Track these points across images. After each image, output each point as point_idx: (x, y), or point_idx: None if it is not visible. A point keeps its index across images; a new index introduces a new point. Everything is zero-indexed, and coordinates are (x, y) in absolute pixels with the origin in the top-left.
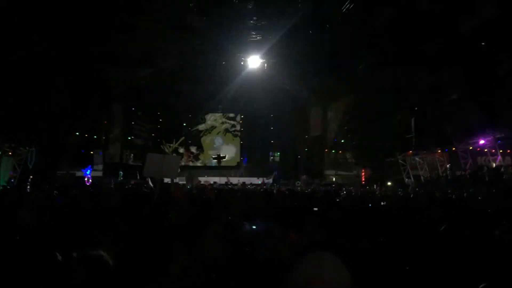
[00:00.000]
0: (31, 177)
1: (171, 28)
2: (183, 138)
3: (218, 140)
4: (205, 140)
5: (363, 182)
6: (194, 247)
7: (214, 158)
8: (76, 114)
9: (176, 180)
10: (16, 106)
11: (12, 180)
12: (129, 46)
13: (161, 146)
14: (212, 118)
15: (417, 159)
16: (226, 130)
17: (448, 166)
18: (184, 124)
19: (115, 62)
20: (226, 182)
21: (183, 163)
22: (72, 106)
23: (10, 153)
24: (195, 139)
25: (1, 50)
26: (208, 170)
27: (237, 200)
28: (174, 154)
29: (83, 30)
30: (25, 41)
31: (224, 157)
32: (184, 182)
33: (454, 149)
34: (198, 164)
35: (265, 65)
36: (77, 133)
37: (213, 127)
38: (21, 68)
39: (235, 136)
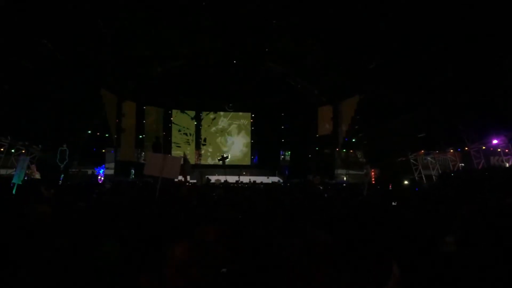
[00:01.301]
0: (63, 175)
1: (183, 27)
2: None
3: (230, 140)
4: (219, 140)
5: (373, 182)
6: (193, 247)
7: (219, 160)
8: (88, 112)
9: (188, 178)
10: (28, 105)
11: (26, 178)
12: (140, 44)
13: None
14: (224, 121)
15: (429, 158)
16: (237, 128)
17: (460, 165)
18: (195, 123)
19: (127, 61)
20: (236, 181)
21: (193, 163)
22: (83, 104)
23: (23, 151)
24: (207, 139)
25: (10, 49)
26: (219, 169)
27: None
28: (185, 154)
29: (93, 28)
30: (34, 40)
31: (227, 157)
32: (195, 181)
33: (466, 148)
34: (210, 163)
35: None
36: (89, 132)
37: (223, 129)
38: (32, 67)
39: (245, 134)
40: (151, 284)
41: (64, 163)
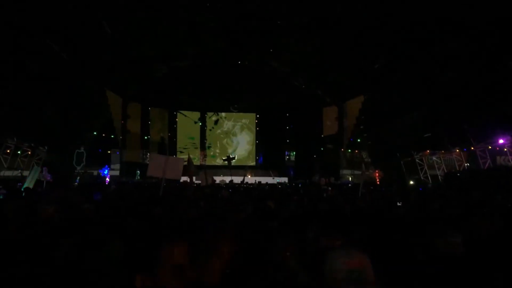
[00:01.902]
0: (78, 177)
1: (187, 28)
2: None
3: (235, 140)
4: (225, 141)
5: (378, 183)
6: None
7: (224, 160)
8: (92, 113)
9: (193, 179)
10: (34, 106)
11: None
12: (146, 46)
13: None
14: (229, 122)
15: (434, 158)
16: (242, 129)
17: (466, 165)
18: (200, 124)
19: (131, 62)
20: (241, 181)
21: (198, 163)
22: (89, 106)
23: (29, 153)
24: (213, 140)
25: (15, 50)
26: (224, 169)
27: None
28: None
29: (97, 29)
30: (39, 41)
31: (233, 158)
32: (199, 182)
33: (472, 148)
34: (218, 163)
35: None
36: (94, 133)
37: (228, 130)
38: (37, 68)
39: (250, 134)
40: (145, 284)
41: (81, 165)
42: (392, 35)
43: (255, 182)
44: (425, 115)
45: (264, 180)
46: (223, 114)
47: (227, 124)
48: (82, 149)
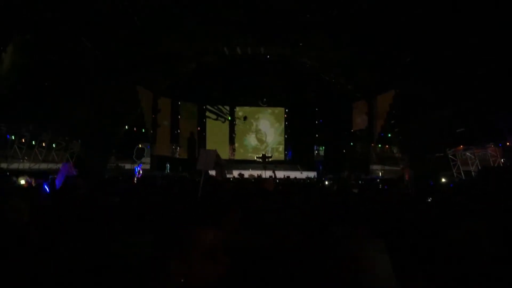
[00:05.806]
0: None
1: (215, 22)
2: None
3: (264, 135)
4: (255, 135)
5: (407, 178)
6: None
7: (258, 158)
8: (124, 108)
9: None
10: (67, 101)
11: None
12: (176, 41)
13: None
14: (258, 116)
15: (468, 154)
16: (270, 123)
17: (502, 161)
18: (229, 118)
19: (161, 57)
20: (270, 176)
21: (227, 158)
22: (120, 100)
23: (63, 145)
24: (241, 135)
25: (50, 48)
26: (253, 164)
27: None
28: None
29: (128, 25)
30: (73, 39)
31: (270, 157)
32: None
33: (508, 143)
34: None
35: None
36: (126, 127)
37: (257, 124)
38: (72, 64)
39: (279, 129)
40: (180, 271)
41: (141, 159)
42: (424, 28)
43: (284, 177)
44: (458, 110)
45: (292, 174)
46: (255, 108)
47: (256, 116)
48: (141, 146)
